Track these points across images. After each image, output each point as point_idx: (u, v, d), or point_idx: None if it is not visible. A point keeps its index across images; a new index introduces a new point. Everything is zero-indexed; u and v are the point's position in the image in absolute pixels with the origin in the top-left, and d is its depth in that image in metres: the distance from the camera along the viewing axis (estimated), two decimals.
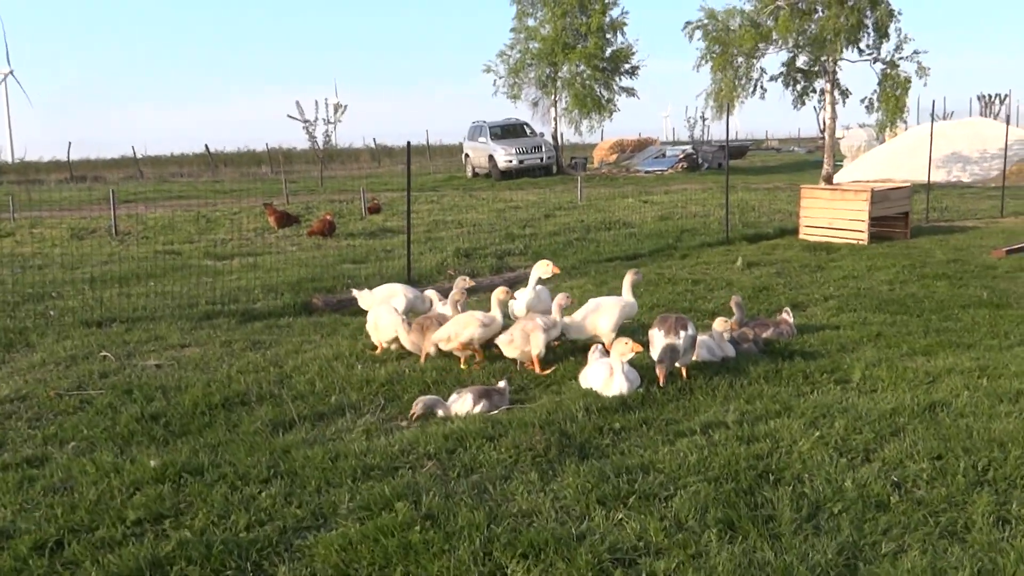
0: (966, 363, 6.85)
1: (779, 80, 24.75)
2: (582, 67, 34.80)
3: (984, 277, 10.79)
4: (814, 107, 24.31)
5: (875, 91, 23.74)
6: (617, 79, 35.93)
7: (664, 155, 43.55)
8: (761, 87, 24.59)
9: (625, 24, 35.60)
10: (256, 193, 29.53)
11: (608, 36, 35.23)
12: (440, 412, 5.86)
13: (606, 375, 6.15)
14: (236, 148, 55.43)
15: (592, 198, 24.28)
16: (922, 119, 33.56)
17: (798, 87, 24.60)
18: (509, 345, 6.83)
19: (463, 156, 40.38)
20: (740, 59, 23.69)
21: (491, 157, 36.11)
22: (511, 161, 35.45)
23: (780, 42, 23.10)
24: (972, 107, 45.14)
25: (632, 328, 8.00)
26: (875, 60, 23.22)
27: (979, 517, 4.06)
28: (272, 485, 4.64)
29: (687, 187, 28.62)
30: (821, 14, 22.13)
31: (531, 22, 35.66)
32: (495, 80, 36.79)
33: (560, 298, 7.02)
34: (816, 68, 23.77)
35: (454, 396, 6.02)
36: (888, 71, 23.25)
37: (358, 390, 6.50)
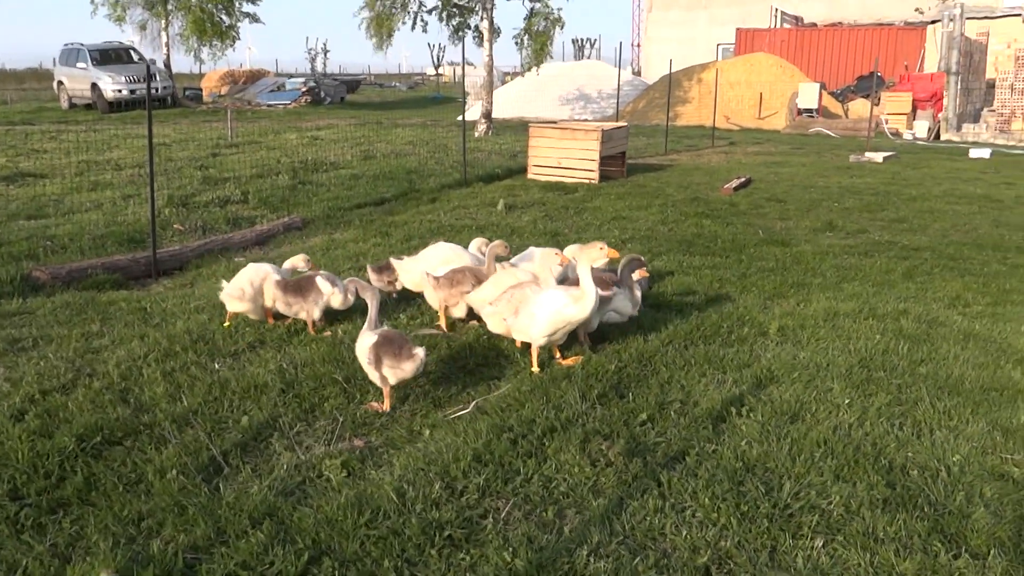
0: (846, 305, 6.93)
1: (434, 13, 24.16)
2: None
3: (737, 215, 11.30)
4: (474, 40, 23.91)
5: (524, 27, 24.17)
6: (239, 3, 32.78)
7: (283, 88, 41.19)
8: (422, 19, 23.82)
9: None
10: None
11: None
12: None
13: (566, 299, 5.15)
14: None
15: (244, 134, 21.93)
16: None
17: (454, 21, 24.22)
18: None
19: (55, 84, 34.43)
20: None
21: (95, 86, 31.22)
22: (120, 91, 31.00)
23: None
24: (565, 50, 48.85)
25: None
26: None
27: None
28: None
29: (335, 123, 27.15)
30: None
31: None
32: None
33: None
34: (472, 4, 23.56)
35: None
36: (538, 7, 23.77)
37: (256, 400, 4.78)
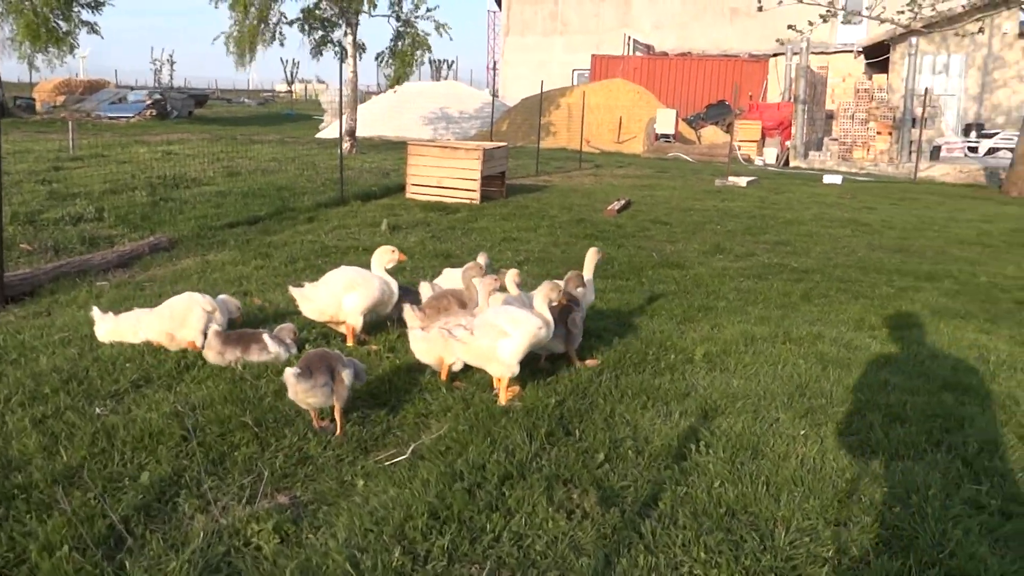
0: (760, 329, 6.83)
1: (295, 26, 23.28)
2: None
3: (626, 236, 11.20)
4: (335, 55, 23.15)
5: (390, 46, 23.69)
6: (77, 11, 30.52)
7: (126, 100, 38.90)
8: (280, 33, 22.87)
9: None
10: None
11: None
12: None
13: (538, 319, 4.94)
14: None
15: (87, 147, 20.33)
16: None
17: (316, 35, 23.41)
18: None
19: None
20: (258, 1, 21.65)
21: None
22: None
23: None
24: (423, 71, 48.45)
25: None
26: (396, 17, 23.09)
27: None
28: None
29: (186, 137, 25.68)
30: None
31: None
32: None
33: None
34: (337, 18, 22.83)
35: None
36: (404, 28, 23.34)
37: (153, 451, 4.08)
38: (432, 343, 5.03)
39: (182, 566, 3.12)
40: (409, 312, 5.25)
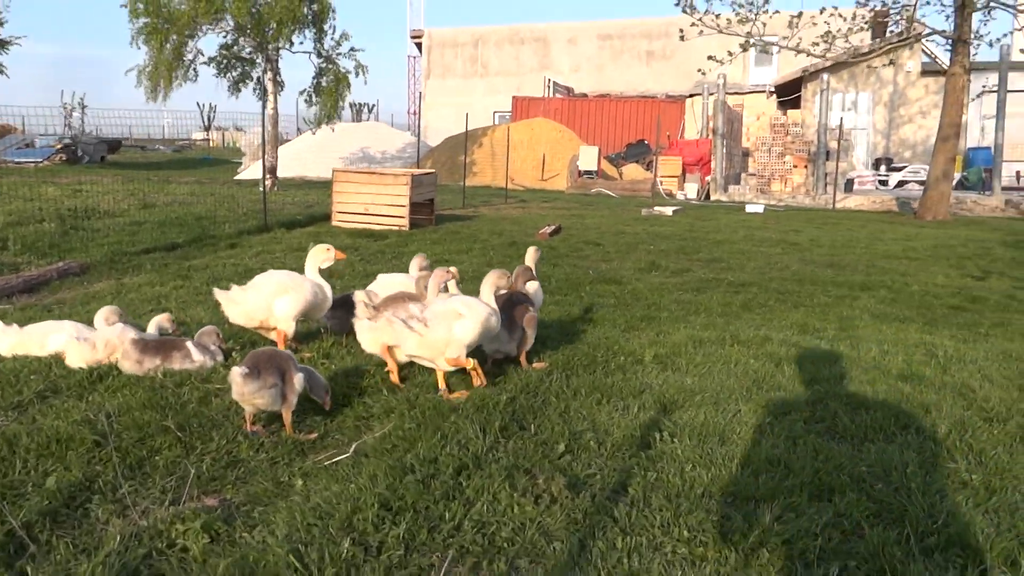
0: (707, 333, 6.66)
1: (212, 64, 22.73)
2: None
3: (560, 256, 11.01)
4: (254, 93, 22.70)
5: (312, 84, 23.34)
6: None
7: (33, 145, 37.48)
8: (194, 70, 22.27)
9: None
10: None
11: None
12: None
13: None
14: None
15: None
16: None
17: (234, 73, 22.90)
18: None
19: None
20: (174, 36, 21.08)
21: None
22: None
23: (221, 22, 21.17)
24: (343, 113, 48.05)
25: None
26: (317, 54, 22.79)
27: None
28: None
29: (98, 179, 24.72)
30: (268, 1, 20.83)
31: None
32: None
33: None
34: (255, 55, 22.39)
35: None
36: (326, 65, 23.04)
37: (61, 457, 3.63)
38: (379, 332, 4.71)
39: (94, 569, 2.68)
40: (361, 304, 4.91)
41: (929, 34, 18.92)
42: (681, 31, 18.85)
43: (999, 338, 6.93)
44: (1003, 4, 18.05)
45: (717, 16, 18.47)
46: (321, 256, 5.52)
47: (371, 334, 4.78)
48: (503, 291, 5.03)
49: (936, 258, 11.85)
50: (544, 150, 31.33)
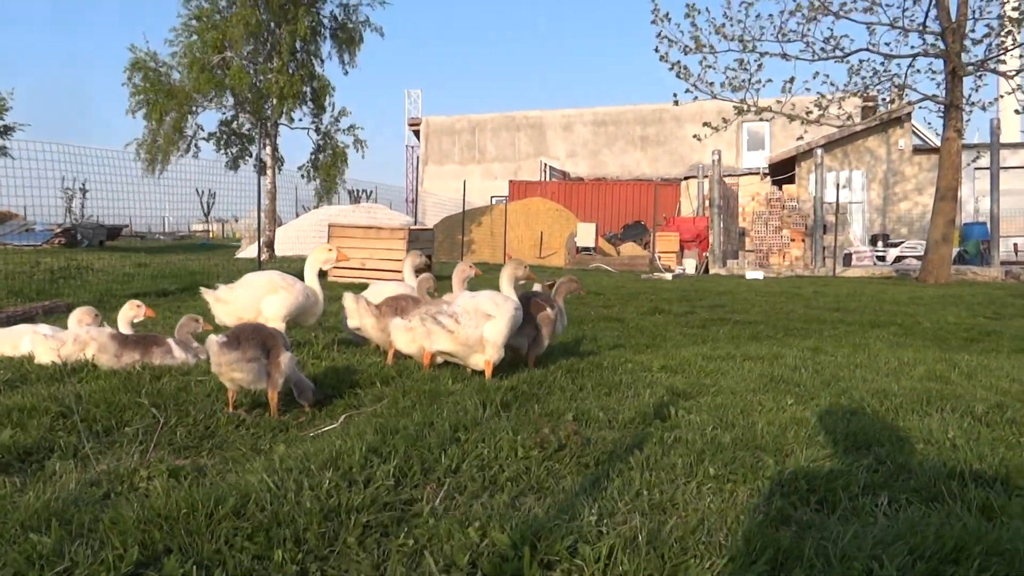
0: (716, 352, 6.38)
1: (212, 140, 22.91)
2: None
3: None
4: (254, 168, 22.77)
5: (311, 159, 23.48)
6: None
7: (32, 230, 37.59)
8: (195, 145, 22.42)
9: None
10: None
11: None
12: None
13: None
14: None
15: None
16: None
17: (233, 149, 23.06)
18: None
19: None
20: (173, 111, 21.28)
21: None
22: None
23: (221, 98, 21.40)
24: (341, 199, 48.38)
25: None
26: (316, 130, 22.98)
27: None
28: None
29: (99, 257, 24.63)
30: (268, 77, 21.11)
31: None
32: None
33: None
34: (255, 131, 22.56)
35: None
36: (325, 141, 23.21)
37: (22, 424, 3.30)
38: (416, 332, 4.48)
39: (40, 497, 2.35)
40: (364, 305, 4.75)
41: (920, 100, 19.06)
42: (675, 95, 19.05)
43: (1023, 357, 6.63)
44: (993, 70, 18.28)
45: (711, 84, 18.66)
46: (322, 256, 5.33)
47: (407, 335, 4.54)
48: (521, 281, 4.87)
49: (944, 304, 11.60)
50: (541, 228, 31.40)
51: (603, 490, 2.50)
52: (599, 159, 44.82)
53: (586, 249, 29.65)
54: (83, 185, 48.27)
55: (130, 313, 5.11)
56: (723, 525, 2.19)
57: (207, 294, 5.10)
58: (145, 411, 3.56)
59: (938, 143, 21.36)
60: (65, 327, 5.08)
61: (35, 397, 3.67)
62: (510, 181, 41.47)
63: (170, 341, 4.75)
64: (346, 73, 38.91)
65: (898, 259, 29.54)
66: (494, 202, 43.50)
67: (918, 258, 25.30)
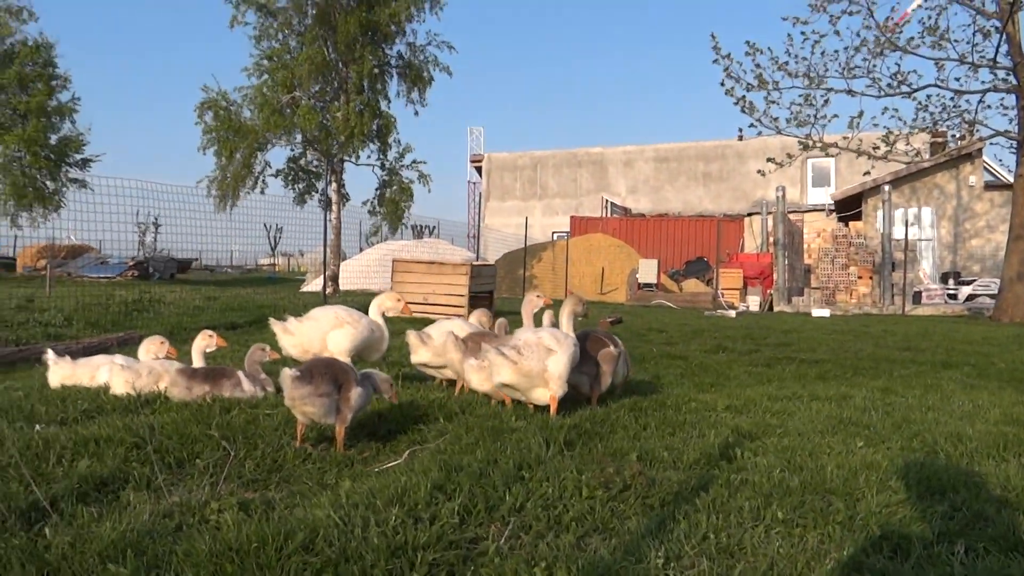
0: (783, 391, 6.26)
1: (280, 177, 23.48)
2: (23, 152, 29.21)
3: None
4: (319, 204, 23.23)
5: (376, 195, 23.85)
6: (65, 170, 30.97)
7: (107, 263, 38.90)
8: (263, 181, 22.99)
9: (76, 110, 31.09)
10: None
11: (55, 120, 30.38)
12: None
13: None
14: None
15: (64, 295, 19.84)
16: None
17: (300, 185, 23.59)
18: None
19: None
20: (243, 149, 21.88)
21: None
22: None
23: (290, 136, 21.95)
24: (404, 234, 49.01)
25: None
26: (381, 166, 23.38)
27: None
28: None
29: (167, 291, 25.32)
30: (336, 115, 21.60)
31: None
32: None
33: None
34: (321, 168, 23.07)
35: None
36: (390, 177, 23.58)
37: (98, 454, 3.40)
38: (487, 371, 4.55)
39: (117, 527, 2.42)
40: (452, 341, 4.83)
41: (992, 136, 18.62)
42: (740, 130, 18.90)
43: None
44: None
45: (775, 119, 18.52)
46: (388, 303, 5.43)
47: (480, 373, 4.60)
48: (580, 317, 4.89)
49: (1021, 344, 11.23)
50: (603, 264, 31.37)
51: (669, 532, 2.47)
52: (661, 195, 44.69)
53: (648, 285, 29.48)
54: (156, 219, 49.75)
55: (203, 343, 5.24)
56: (793, 571, 2.15)
57: (275, 325, 5.22)
58: (215, 443, 3.64)
59: (1010, 179, 20.80)
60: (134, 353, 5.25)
61: (111, 428, 3.78)
62: (571, 217, 41.55)
63: (239, 374, 4.85)
64: (416, 113, 39.77)
65: (970, 297, 28.73)
66: (555, 238, 43.63)
67: (991, 296, 24.57)
